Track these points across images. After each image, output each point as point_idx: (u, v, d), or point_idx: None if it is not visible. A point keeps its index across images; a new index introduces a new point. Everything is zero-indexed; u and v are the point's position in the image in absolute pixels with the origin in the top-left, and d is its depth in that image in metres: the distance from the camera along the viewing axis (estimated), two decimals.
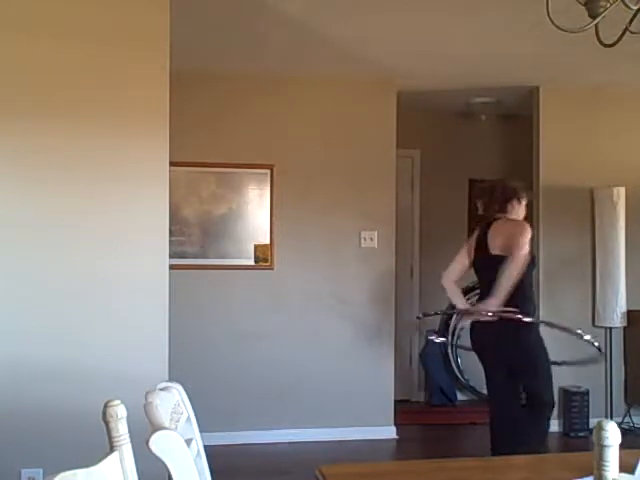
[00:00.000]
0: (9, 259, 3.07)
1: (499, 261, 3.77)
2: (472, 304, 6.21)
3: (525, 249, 3.72)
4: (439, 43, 4.29)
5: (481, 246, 3.97)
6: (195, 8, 3.65)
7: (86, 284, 3.13)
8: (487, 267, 3.93)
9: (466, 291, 6.24)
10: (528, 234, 3.77)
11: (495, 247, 3.88)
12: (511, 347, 3.82)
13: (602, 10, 1.85)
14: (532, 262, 3.89)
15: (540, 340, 3.88)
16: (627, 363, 5.33)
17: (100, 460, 1.39)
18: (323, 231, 5.07)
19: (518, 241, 3.72)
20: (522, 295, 3.79)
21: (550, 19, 1.89)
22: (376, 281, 5.12)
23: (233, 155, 4.94)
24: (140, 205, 3.20)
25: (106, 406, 1.46)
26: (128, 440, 1.47)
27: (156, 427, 1.56)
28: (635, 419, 5.20)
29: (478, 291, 6.21)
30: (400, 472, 2.12)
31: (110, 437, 1.45)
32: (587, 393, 5.17)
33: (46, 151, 3.10)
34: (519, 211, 3.98)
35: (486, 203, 4.04)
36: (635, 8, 1.85)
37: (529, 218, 4.22)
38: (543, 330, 3.99)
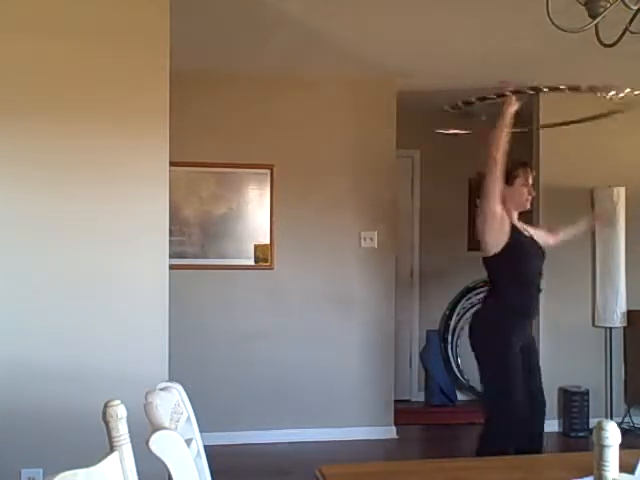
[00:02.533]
0: (9, 259, 3.07)
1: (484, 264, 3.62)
2: (472, 304, 6.25)
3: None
4: (439, 43, 4.29)
5: None
6: (195, 8, 3.65)
7: (86, 284, 3.13)
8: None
9: (465, 291, 6.28)
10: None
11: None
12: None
13: (602, 10, 1.85)
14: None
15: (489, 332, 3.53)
16: (627, 363, 5.33)
17: (100, 460, 1.39)
18: (323, 231, 5.07)
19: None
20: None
21: (550, 19, 1.89)
22: (376, 281, 5.12)
23: (233, 155, 4.94)
24: (140, 205, 3.20)
25: (106, 406, 1.46)
26: (128, 440, 1.47)
27: (156, 427, 1.56)
28: (635, 419, 5.20)
29: (478, 291, 6.25)
30: (400, 472, 2.12)
31: (110, 437, 1.45)
32: (587, 393, 5.17)
33: (46, 151, 3.10)
34: (513, 195, 3.61)
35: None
36: (635, 8, 1.85)
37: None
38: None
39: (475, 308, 3.78)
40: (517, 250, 3.50)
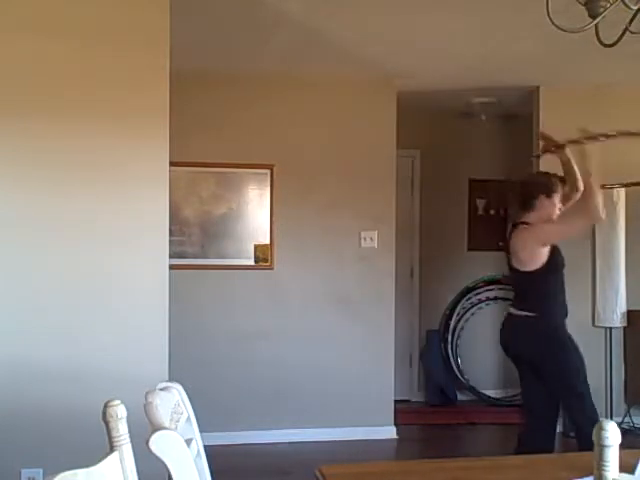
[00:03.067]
0: (9, 259, 3.07)
1: (518, 276, 3.68)
2: (472, 304, 6.25)
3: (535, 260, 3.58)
4: (439, 43, 4.29)
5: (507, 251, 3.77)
6: (195, 8, 3.65)
7: (86, 284, 3.13)
8: (511, 278, 3.84)
9: (465, 291, 6.28)
10: (533, 242, 3.59)
11: (514, 259, 3.70)
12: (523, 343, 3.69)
13: (602, 10, 1.85)
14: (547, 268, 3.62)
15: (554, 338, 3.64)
16: (627, 363, 5.32)
17: (100, 460, 1.39)
18: (323, 231, 5.06)
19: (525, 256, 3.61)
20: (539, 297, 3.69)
21: (550, 19, 1.89)
22: (376, 281, 5.12)
23: (233, 155, 4.94)
24: (140, 205, 3.20)
25: (106, 406, 1.46)
26: (128, 440, 1.47)
27: (156, 427, 1.56)
28: (635, 419, 5.20)
29: (478, 291, 6.25)
30: (400, 472, 2.12)
31: (110, 437, 1.45)
32: None
33: (46, 151, 3.10)
34: (548, 208, 3.65)
35: (504, 201, 3.84)
36: (635, 8, 1.85)
37: None
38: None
39: (514, 322, 3.72)
40: (557, 261, 3.66)
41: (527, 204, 3.67)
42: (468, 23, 3.90)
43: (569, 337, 3.68)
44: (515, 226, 3.73)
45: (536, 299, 3.67)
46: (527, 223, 3.66)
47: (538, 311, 3.65)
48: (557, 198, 3.66)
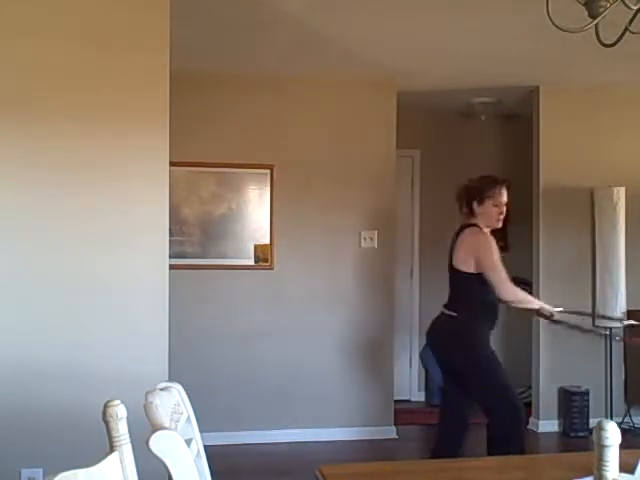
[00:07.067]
0: (9, 259, 3.07)
1: (459, 277, 3.71)
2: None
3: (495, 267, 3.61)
4: (439, 43, 4.29)
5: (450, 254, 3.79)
6: (195, 8, 3.65)
7: (86, 284, 3.13)
8: (450, 279, 3.84)
9: None
10: (491, 249, 3.62)
11: (454, 258, 3.73)
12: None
13: (602, 10, 1.85)
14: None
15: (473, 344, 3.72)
16: (627, 363, 5.32)
17: (100, 460, 1.39)
18: (323, 231, 5.07)
19: (487, 262, 3.61)
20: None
21: (550, 19, 1.89)
22: (376, 281, 5.12)
23: (233, 155, 4.94)
24: (140, 205, 3.20)
25: (106, 406, 1.46)
26: (128, 440, 1.47)
27: (156, 427, 1.57)
28: (635, 419, 5.20)
29: None
30: (400, 472, 2.12)
31: (110, 437, 1.46)
32: (587, 393, 5.17)
33: (47, 152, 3.10)
34: (484, 214, 3.70)
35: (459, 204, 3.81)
36: (635, 8, 1.85)
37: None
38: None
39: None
40: None
41: (468, 208, 3.74)
42: (468, 23, 3.90)
43: (483, 341, 3.70)
44: (462, 228, 3.75)
45: (462, 300, 3.74)
46: (475, 225, 3.70)
47: (460, 312, 3.72)
48: (491, 202, 3.67)
